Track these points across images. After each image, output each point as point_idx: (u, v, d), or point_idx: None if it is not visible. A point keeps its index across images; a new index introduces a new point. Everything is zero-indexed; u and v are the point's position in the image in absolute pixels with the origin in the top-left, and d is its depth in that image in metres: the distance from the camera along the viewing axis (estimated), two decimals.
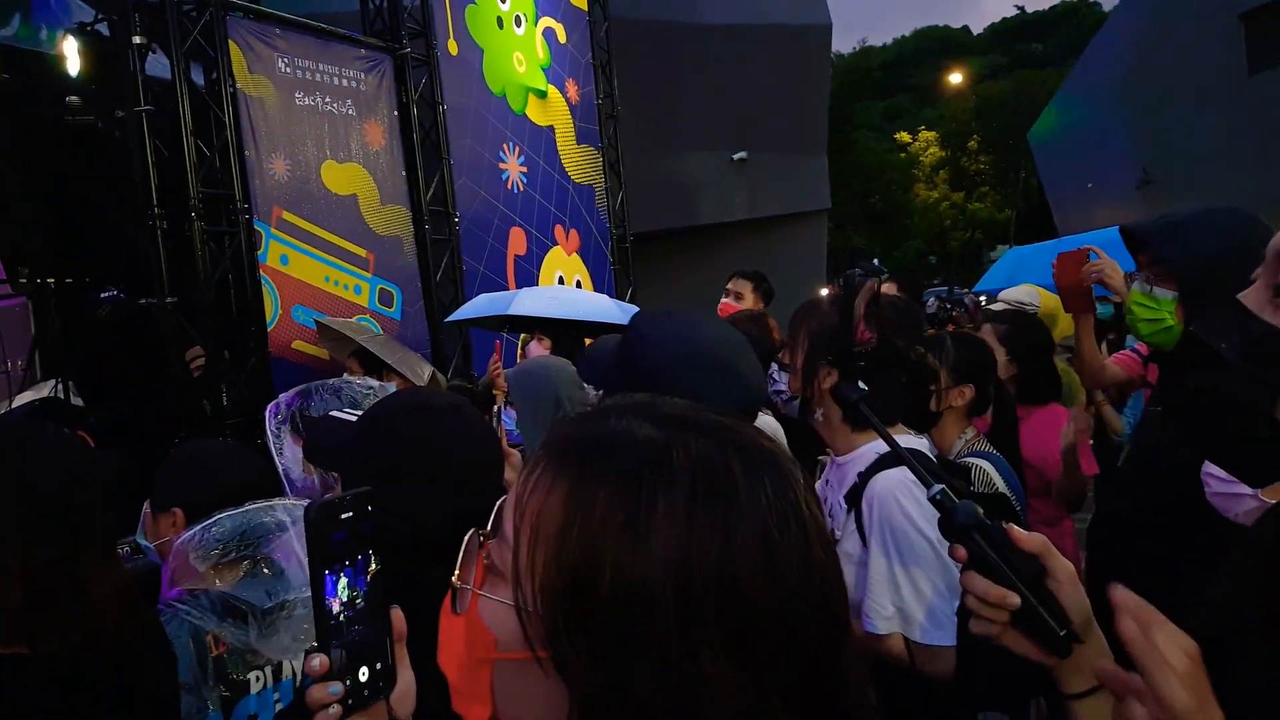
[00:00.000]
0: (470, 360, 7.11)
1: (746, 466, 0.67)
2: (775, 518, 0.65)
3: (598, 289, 8.56)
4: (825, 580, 0.67)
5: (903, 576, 1.74)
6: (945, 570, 1.72)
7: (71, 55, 5.24)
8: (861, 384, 1.47)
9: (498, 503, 0.74)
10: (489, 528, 0.74)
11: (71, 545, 1.31)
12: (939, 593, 1.73)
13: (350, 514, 0.83)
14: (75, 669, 1.30)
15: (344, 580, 0.82)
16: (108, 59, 5.25)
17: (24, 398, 5.20)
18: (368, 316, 6.11)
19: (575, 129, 8.69)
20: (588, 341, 5.34)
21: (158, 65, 5.14)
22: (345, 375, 3.62)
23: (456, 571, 0.75)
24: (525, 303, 4.96)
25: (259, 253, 5.38)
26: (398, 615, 0.87)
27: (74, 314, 5.51)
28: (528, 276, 7.83)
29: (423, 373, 4.51)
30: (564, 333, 4.75)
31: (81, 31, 5.35)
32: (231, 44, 5.35)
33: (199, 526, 1.60)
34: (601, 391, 1.63)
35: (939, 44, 68.08)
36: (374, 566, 0.85)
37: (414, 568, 0.99)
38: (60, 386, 4.95)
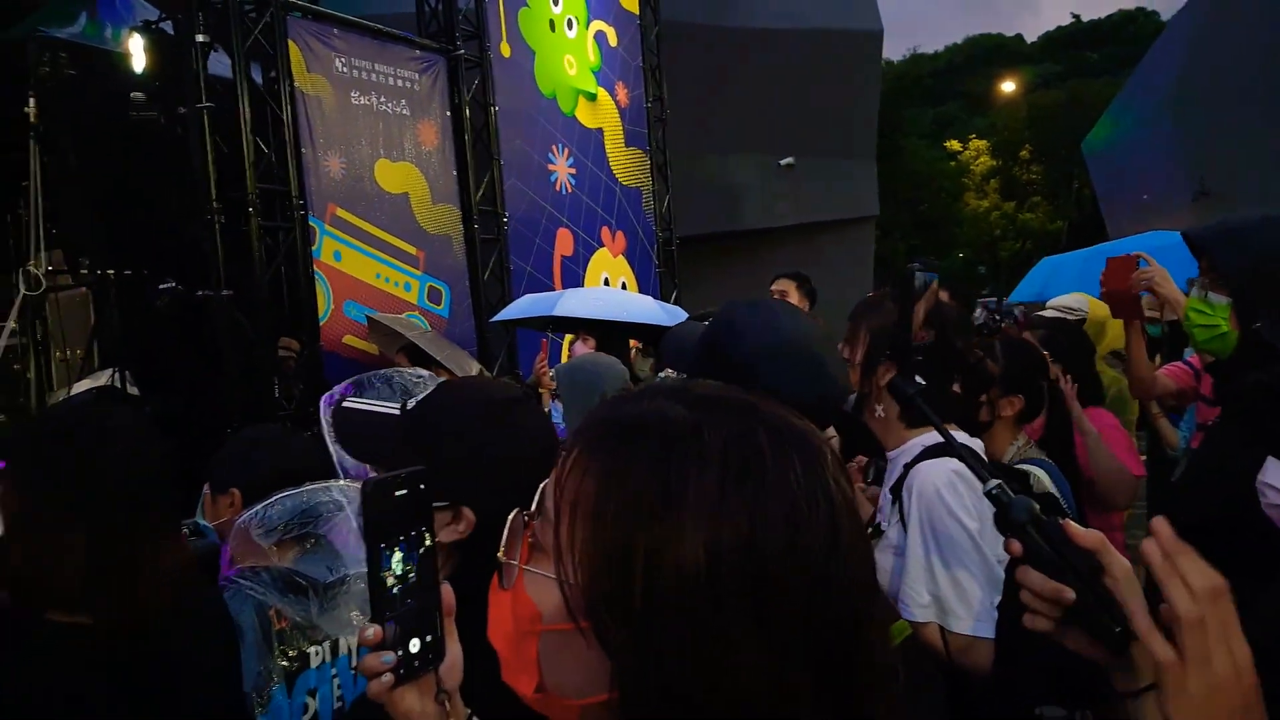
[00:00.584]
0: (516, 359, 7.17)
1: (776, 446, 0.68)
2: (804, 497, 0.67)
3: (643, 291, 8.58)
4: (853, 561, 0.68)
5: (940, 566, 1.74)
6: (984, 563, 1.71)
7: (136, 52, 5.37)
8: (919, 379, 1.47)
9: (541, 484, 0.76)
10: (534, 508, 0.77)
11: (133, 521, 1.36)
12: (977, 584, 1.72)
13: (405, 491, 0.86)
14: (132, 640, 1.35)
15: (398, 554, 0.85)
16: (171, 57, 5.38)
17: (82, 385, 5.35)
18: (417, 313, 6.19)
19: (624, 131, 8.72)
20: (633, 344, 5.36)
21: (219, 64, 5.26)
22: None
23: (502, 549, 0.78)
24: (570, 303, 5.00)
25: (313, 248, 5.48)
26: (447, 591, 0.90)
27: (133, 305, 5.65)
28: (574, 277, 7.87)
29: (470, 369, 4.56)
30: (609, 333, 4.77)
31: (146, 29, 5.48)
32: (291, 44, 5.46)
33: (260, 505, 1.66)
34: (685, 376, 1.65)
35: (991, 52, 67.15)
36: (426, 543, 0.87)
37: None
38: (117, 375, 5.07)
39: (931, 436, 1.81)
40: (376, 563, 0.84)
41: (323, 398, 2.03)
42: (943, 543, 1.73)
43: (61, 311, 6.54)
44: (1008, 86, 53.25)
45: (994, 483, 1.01)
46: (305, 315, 5.39)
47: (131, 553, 1.35)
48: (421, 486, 0.87)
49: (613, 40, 8.64)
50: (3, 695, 1.26)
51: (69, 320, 6.52)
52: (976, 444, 1.94)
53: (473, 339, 6.75)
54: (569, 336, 6.04)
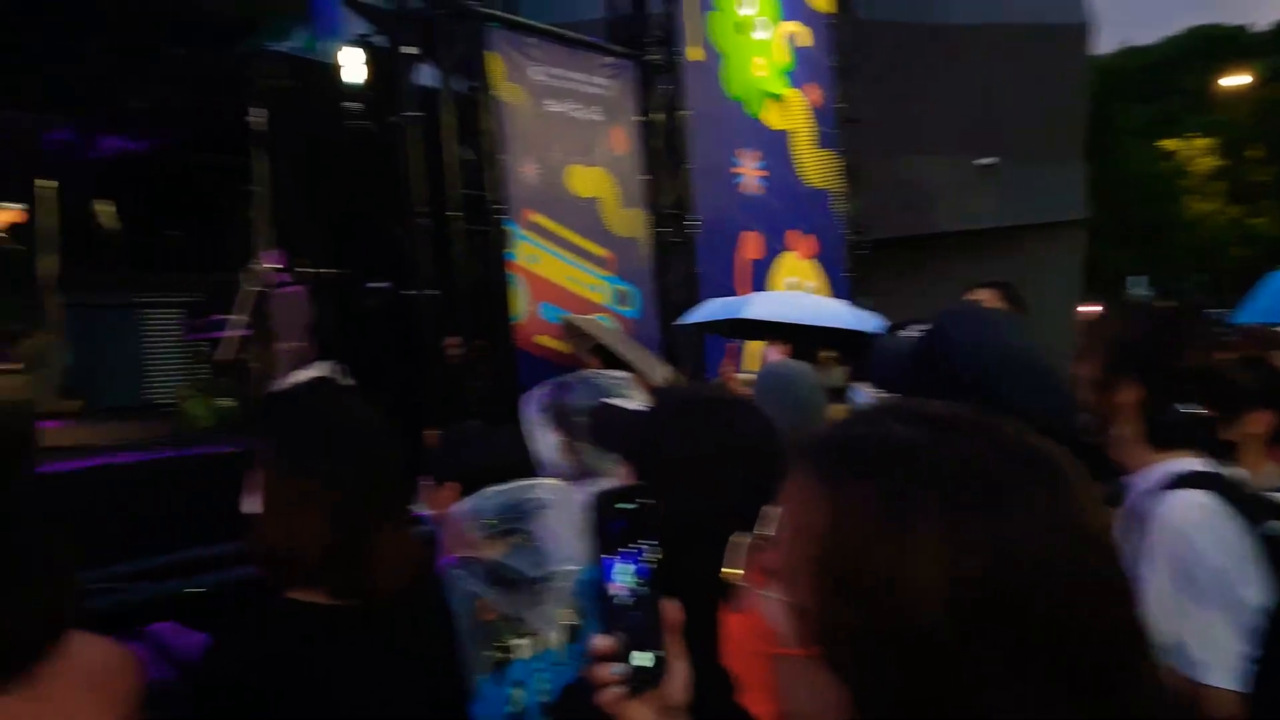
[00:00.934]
0: (703, 362, 7.17)
1: (1012, 468, 0.65)
2: (1044, 521, 0.63)
3: (834, 294, 8.41)
4: (1105, 587, 0.64)
5: (1183, 608, 1.58)
6: (1233, 606, 1.54)
7: (349, 65, 5.73)
8: (1185, 407, 1.34)
9: (765, 507, 0.75)
10: (763, 529, 0.75)
11: (371, 502, 1.42)
12: (1227, 631, 1.55)
13: (629, 505, 0.87)
14: (362, 622, 1.40)
15: (624, 566, 0.85)
16: (381, 69, 5.70)
17: (301, 376, 5.73)
18: (605, 315, 6.30)
19: (814, 133, 8.59)
20: (823, 355, 5.24)
21: (426, 74, 5.54)
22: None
23: (738, 570, 0.77)
24: (758, 306, 4.96)
25: (509, 251, 5.68)
26: (673, 606, 0.88)
27: (346, 302, 6.02)
28: (760, 280, 7.80)
29: (658, 372, 4.59)
30: (800, 340, 4.70)
31: (358, 43, 5.84)
32: (493, 55, 5.68)
33: (473, 499, 1.72)
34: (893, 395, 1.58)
35: (1213, 44, 62.01)
36: (653, 557, 0.87)
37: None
38: (336, 368, 5.40)
39: (1181, 463, 1.64)
40: (603, 573, 0.85)
41: (525, 398, 2.09)
42: (1190, 583, 1.58)
43: (283, 307, 7.06)
44: (1232, 81, 49.02)
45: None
46: (500, 316, 5.60)
47: (368, 533, 1.41)
48: (646, 501, 0.88)
49: (805, 40, 8.53)
50: (241, 667, 1.34)
51: (290, 315, 7.02)
52: (1240, 474, 1.76)
53: (658, 342, 6.81)
54: (754, 343, 5.99)
